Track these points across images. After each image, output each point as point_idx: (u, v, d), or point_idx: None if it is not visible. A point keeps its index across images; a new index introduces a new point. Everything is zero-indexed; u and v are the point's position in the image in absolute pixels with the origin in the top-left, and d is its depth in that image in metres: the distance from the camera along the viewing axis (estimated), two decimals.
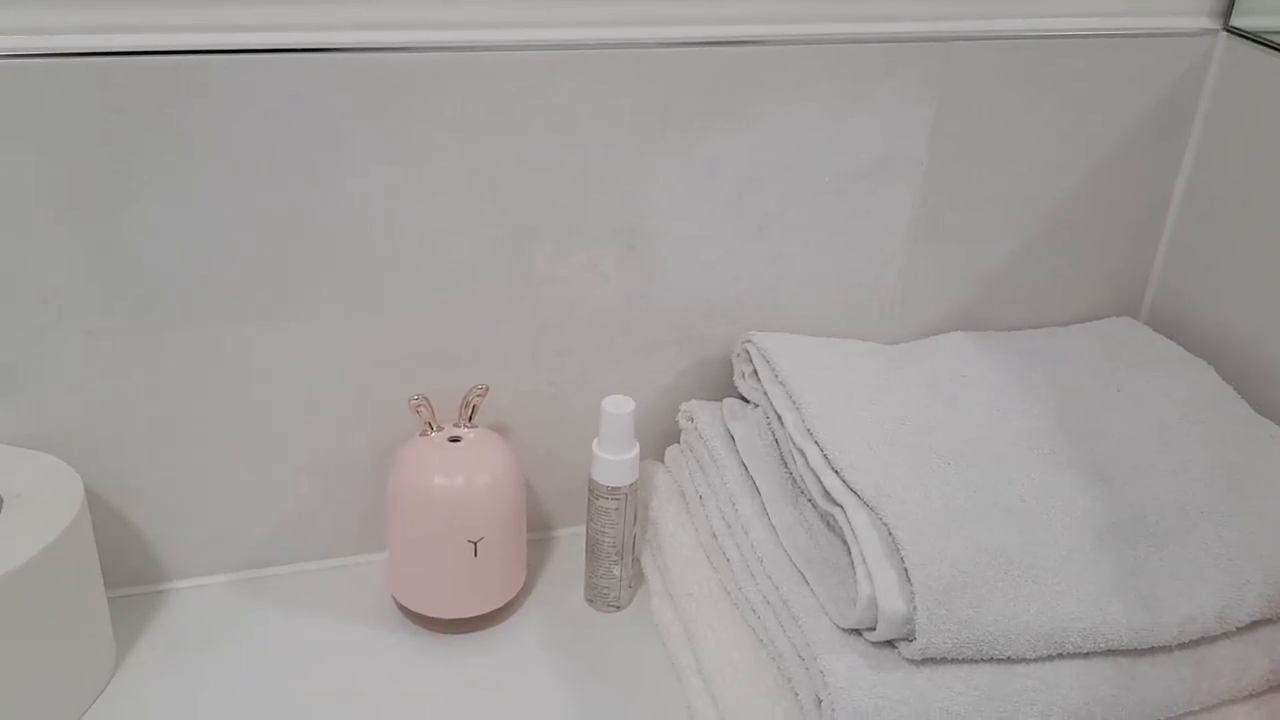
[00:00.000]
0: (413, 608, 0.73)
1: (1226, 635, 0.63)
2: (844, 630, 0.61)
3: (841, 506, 0.64)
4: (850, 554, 0.62)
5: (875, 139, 0.76)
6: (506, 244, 0.72)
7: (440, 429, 0.72)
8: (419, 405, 0.72)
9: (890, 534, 0.61)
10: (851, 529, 0.62)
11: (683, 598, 0.72)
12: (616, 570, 0.75)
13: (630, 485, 0.72)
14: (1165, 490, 0.67)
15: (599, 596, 0.76)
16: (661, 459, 0.81)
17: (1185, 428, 0.72)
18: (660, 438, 0.82)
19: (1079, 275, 0.86)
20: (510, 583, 0.74)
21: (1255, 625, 0.63)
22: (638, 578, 0.78)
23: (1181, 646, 0.62)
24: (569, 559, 0.80)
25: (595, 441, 0.72)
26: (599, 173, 0.72)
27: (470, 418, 0.73)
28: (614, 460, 0.71)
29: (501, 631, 0.74)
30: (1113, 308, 0.87)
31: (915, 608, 0.58)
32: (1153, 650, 0.62)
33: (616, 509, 0.73)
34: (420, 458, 0.71)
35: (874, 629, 0.60)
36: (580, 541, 0.77)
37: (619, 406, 0.71)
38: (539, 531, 0.83)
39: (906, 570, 0.59)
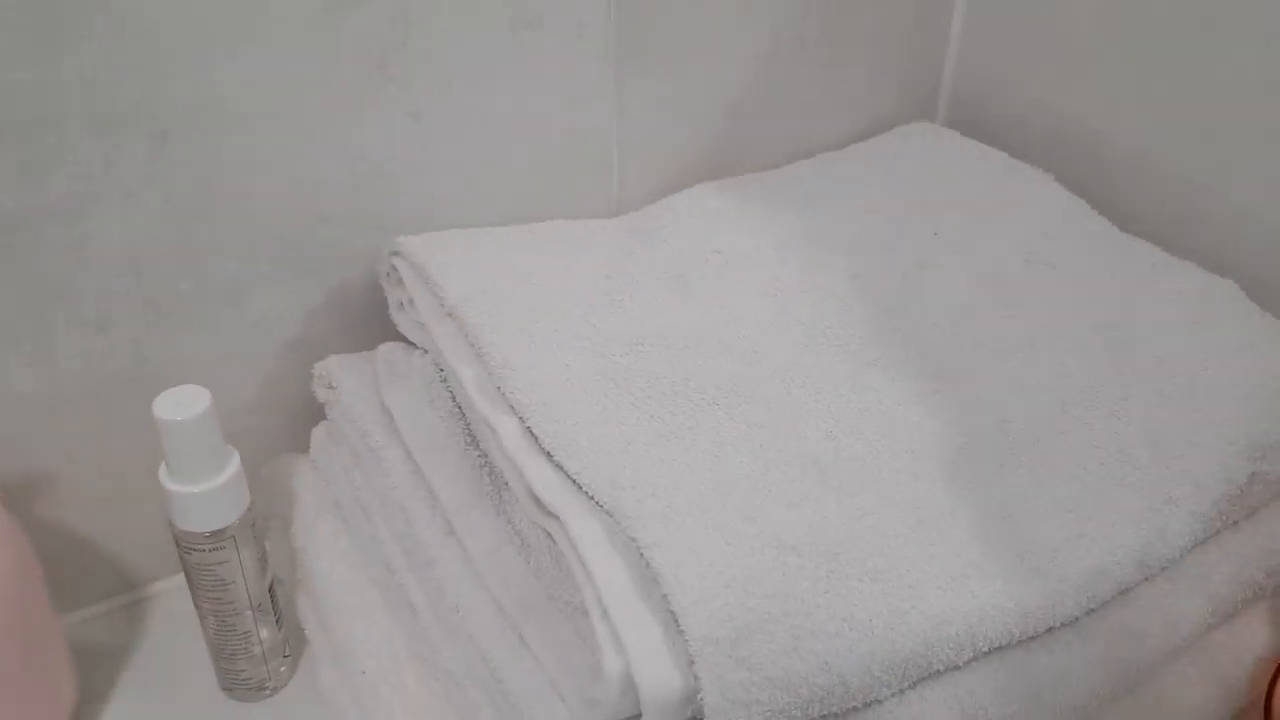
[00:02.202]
0: None
1: (1148, 580, 0.42)
2: None
3: (558, 517, 0.39)
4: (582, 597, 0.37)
5: None
6: None
7: None
8: None
9: (641, 555, 0.37)
10: (580, 557, 0.37)
11: (360, 671, 0.46)
12: (256, 639, 0.48)
13: (239, 519, 0.45)
14: (1031, 375, 0.46)
15: (238, 682, 0.49)
16: (306, 448, 0.54)
17: (1037, 274, 0.50)
18: (304, 415, 0.54)
19: (852, 71, 0.62)
20: (55, 708, 0.46)
21: (1182, 556, 0.43)
22: (295, 639, 0.51)
23: (1090, 614, 0.41)
24: (178, 628, 0.52)
25: (161, 468, 0.44)
26: (77, 19, 0.41)
27: None
28: (197, 493, 0.44)
29: None
30: (902, 111, 0.64)
31: (697, 676, 0.35)
32: (1051, 632, 0.41)
33: (225, 561, 0.45)
34: None
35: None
36: (185, 598, 0.49)
37: (182, 407, 0.43)
38: (116, 596, 0.54)
39: (674, 615, 0.35)
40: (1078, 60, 0.58)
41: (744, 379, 0.45)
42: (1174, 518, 0.42)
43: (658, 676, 0.35)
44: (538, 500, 0.40)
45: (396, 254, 0.50)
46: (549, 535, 0.40)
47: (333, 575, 0.49)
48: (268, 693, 0.50)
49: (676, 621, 0.35)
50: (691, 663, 0.35)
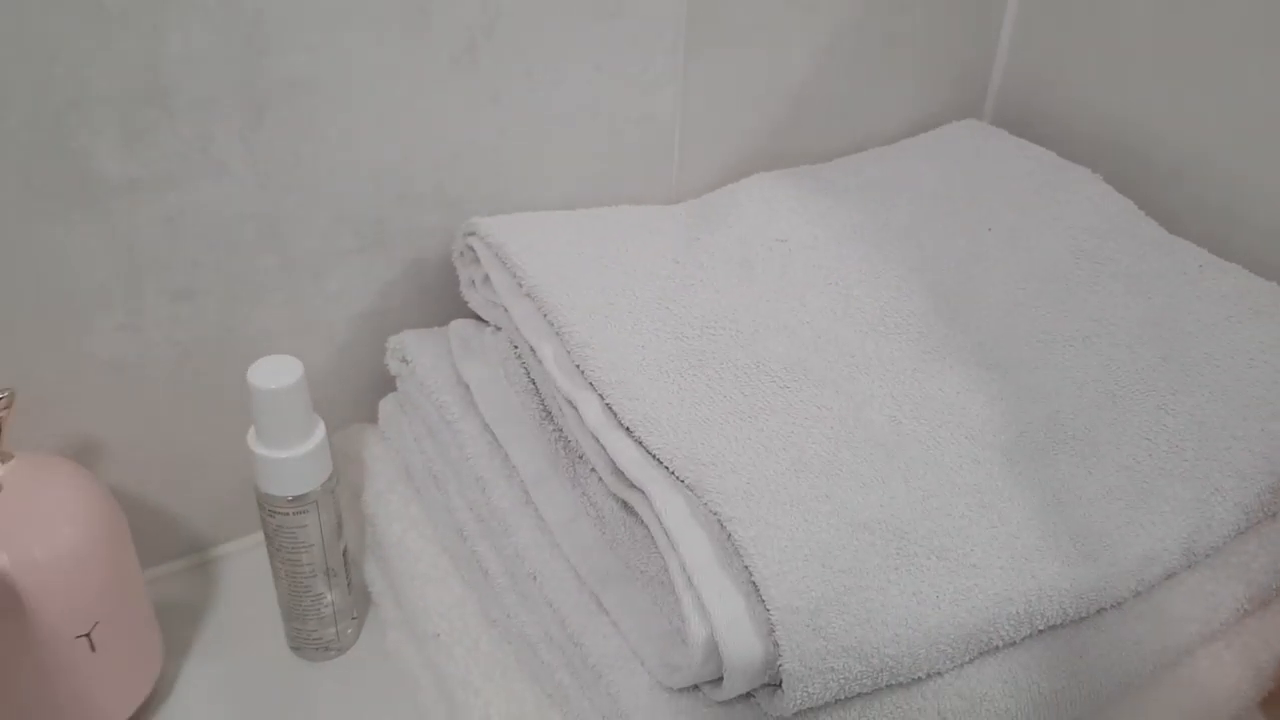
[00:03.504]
0: None
1: (1192, 566, 0.45)
2: (676, 689, 0.39)
3: (643, 491, 0.41)
4: (667, 566, 0.39)
5: None
6: (39, 136, 0.43)
7: None
8: None
9: (723, 528, 0.39)
10: (664, 529, 0.39)
11: (429, 638, 0.48)
12: (327, 600, 0.50)
13: (321, 486, 0.47)
14: (1081, 368, 0.48)
15: (307, 641, 0.51)
16: (375, 418, 0.56)
17: (1087, 270, 0.52)
18: (371, 387, 0.56)
19: (904, 69, 0.64)
20: (146, 666, 0.48)
21: (1225, 544, 0.45)
22: (361, 602, 0.53)
23: (1137, 597, 0.43)
24: (249, 588, 0.54)
25: (250, 433, 0.46)
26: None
27: None
28: (285, 459, 0.46)
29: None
30: (950, 109, 0.66)
31: (777, 644, 0.37)
32: (1101, 612, 0.43)
33: (305, 525, 0.47)
34: None
35: (719, 684, 0.38)
36: (254, 559, 0.51)
37: (276, 377, 0.44)
38: (189, 555, 0.56)
39: (756, 586, 0.38)
40: (1125, 63, 0.59)
41: (811, 363, 0.46)
42: (1219, 507, 0.44)
43: (740, 643, 0.37)
44: (620, 474, 0.42)
45: (472, 234, 0.52)
46: (626, 508, 0.42)
47: (404, 542, 0.51)
48: (334, 653, 0.52)
49: (758, 592, 0.38)
50: (772, 631, 0.37)
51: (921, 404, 0.46)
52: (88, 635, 0.43)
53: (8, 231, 0.44)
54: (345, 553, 0.50)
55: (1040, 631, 0.42)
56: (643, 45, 0.54)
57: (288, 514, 0.47)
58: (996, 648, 0.41)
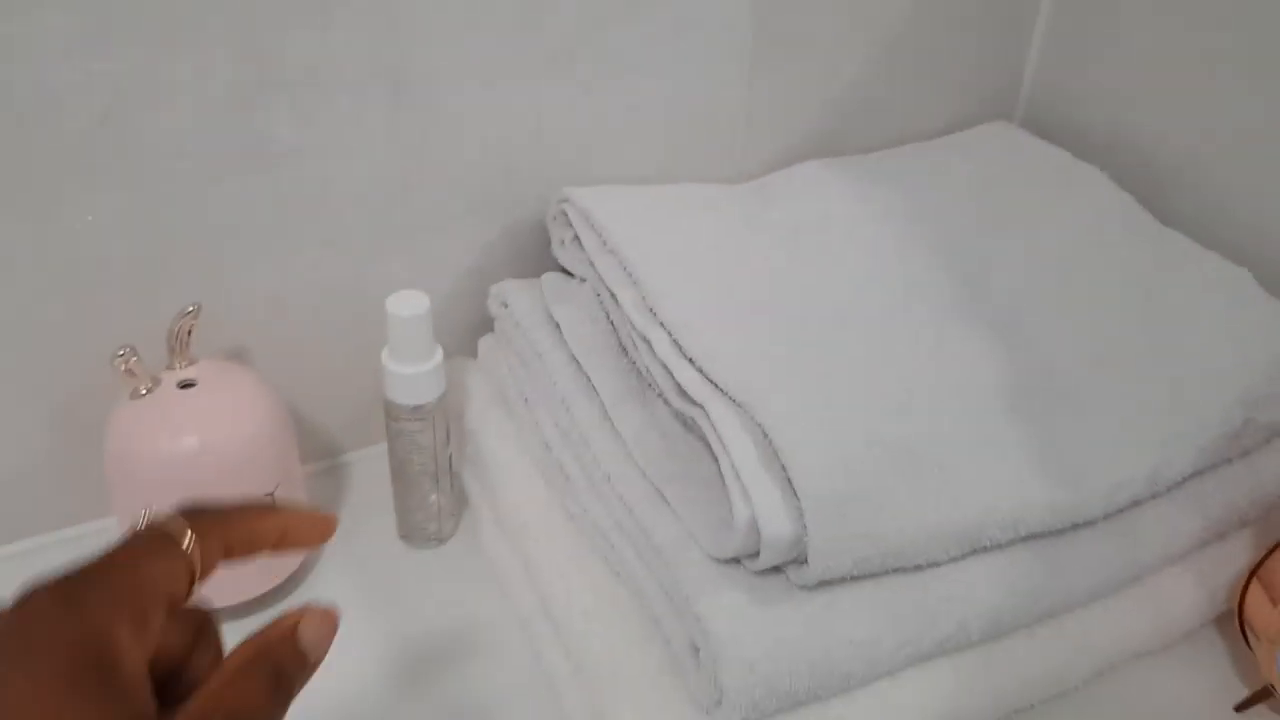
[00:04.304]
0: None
1: (1155, 497, 0.53)
2: (719, 561, 0.49)
3: (703, 407, 0.50)
4: (719, 466, 0.49)
5: None
6: (227, 105, 0.54)
7: (157, 382, 0.54)
8: (126, 361, 0.53)
9: (766, 437, 0.49)
10: (719, 436, 0.49)
11: (517, 529, 0.58)
12: (433, 498, 0.60)
13: (436, 400, 0.57)
14: (1074, 334, 0.57)
15: (416, 531, 0.62)
16: (474, 354, 0.66)
17: (1085, 253, 0.61)
18: (470, 328, 0.66)
19: (944, 77, 0.73)
20: None
21: (1184, 482, 0.54)
22: (460, 501, 0.64)
23: (1108, 519, 0.52)
24: (367, 489, 0.65)
25: (384, 352, 0.56)
26: None
27: (183, 351, 0.55)
28: (411, 374, 0.56)
29: (304, 594, 0.59)
30: (986, 111, 0.75)
31: (805, 526, 0.46)
32: (1076, 528, 0.52)
33: (422, 430, 0.58)
34: (144, 426, 0.53)
35: (756, 557, 0.48)
36: (378, 464, 0.62)
37: (409, 306, 0.55)
38: (322, 460, 0.67)
39: (790, 481, 0.47)
40: (1134, 78, 0.68)
41: (849, 317, 0.56)
42: (1180, 449, 0.53)
43: (776, 523, 0.46)
44: (685, 394, 0.52)
45: (565, 201, 0.62)
46: (687, 425, 0.52)
47: (498, 453, 0.61)
48: (435, 543, 0.63)
49: (791, 486, 0.47)
50: (801, 516, 0.47)
51: (942, 357, 0.55)
52: (272, 494, 0.54)
53: (199, 187, 0.55)
54: (450, 459, 0.61)
55: (1024, 539, 0.51)
56: (714, 53, 0.64)
57: (409, 421, 0.58)
58: (986, 548, 0.50)
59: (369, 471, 0.66)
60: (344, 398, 0.65)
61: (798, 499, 0.47)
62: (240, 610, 0.56)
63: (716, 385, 0.51)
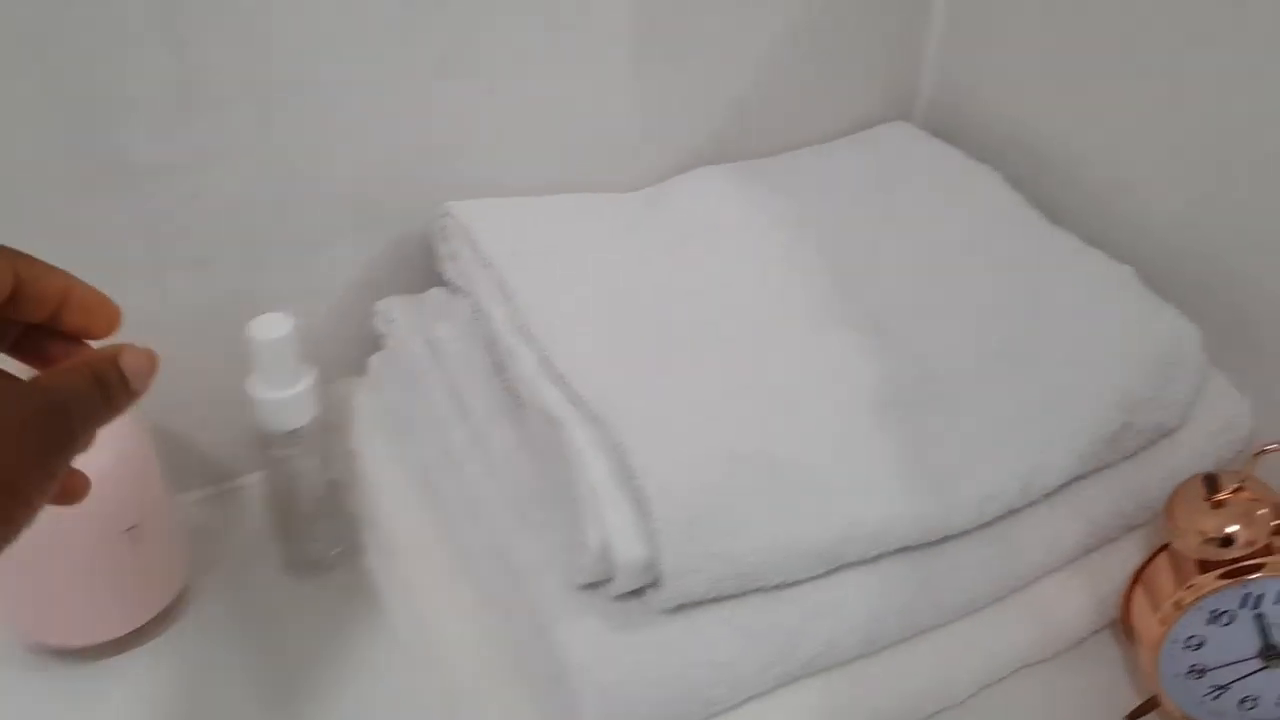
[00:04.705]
0: (53, 641, 0.56)
1: (1032, 505, 0.52)
2: (581, 586, 0.48)
3: (561, 423, 0.50)
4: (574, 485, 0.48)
5: None
6: (80, 125, 0.53)
7: None
8: None
9: (622, 455, 0.48)
10: (576, 456, 0.48)
11: (399, 553, 0.57)
12: (314, 525, 0.59)
13: (309, 424, 0.56)
14: (955, 336, 0.56)
15: (298, 559, 0.61)
16: (364, 373, 0.65)
17: (972, 255, 0.60)
18: (363, 345, 0.65)
19: (841, 77, 0.72)
20: (173, 573, 0.58)
21: (1064, 487, 0.53)
22: (345, 527, 0.63)
23: (981, 529, 0.51)
24: (258, 515, 0.64)
25: (250, 379, 0.55)
26: (200, 6, 0.52)
27: None
28: (279, 399, 0.55)
29: (184, 628, 0.58)
30: (887, 111, 0.74)
31: (658, 549, 0.46)
32: (946, 540, 0.51)
33: (297, 456, 0.57)
34: None
35: (612, 581, 0.47)
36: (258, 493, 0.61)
37: (270, 329, 0.54)
38: (211, 485, 0.66)
39: (643, 502, 0.46)
40: (1032, 73, 0.66)
41: (724, 325, 0.55)
42: (1055, 455, 0.51)
43: (628, 546, 0.46)
44: (547, 413, 0.51)
45: (447, 215, 0.61)
46: (555, 441, 0.51)
47: (383, 476, 0.60)
48: (320, 572, 0.61)
49: (645, 505, 0.46)
50: (653, 536, 0.46)
51: (813, 362, 0.54)
52: (134, 529, 0.53)
53: (56, 209, 0.54)
54: (332, 483, 0.60)
55: (892, 552, 0.50)
56: (595, 56, 0.63)
57: (282, 448, 0.57)
58: (852, 564, 0.49)
59: (255, 497, 0.65)
60: (231, 420, 0.63)
61: (651, 520, 0.46)
62: (109, 649, 0.56)
63: (578, 401, 0.50)
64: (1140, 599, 0.52)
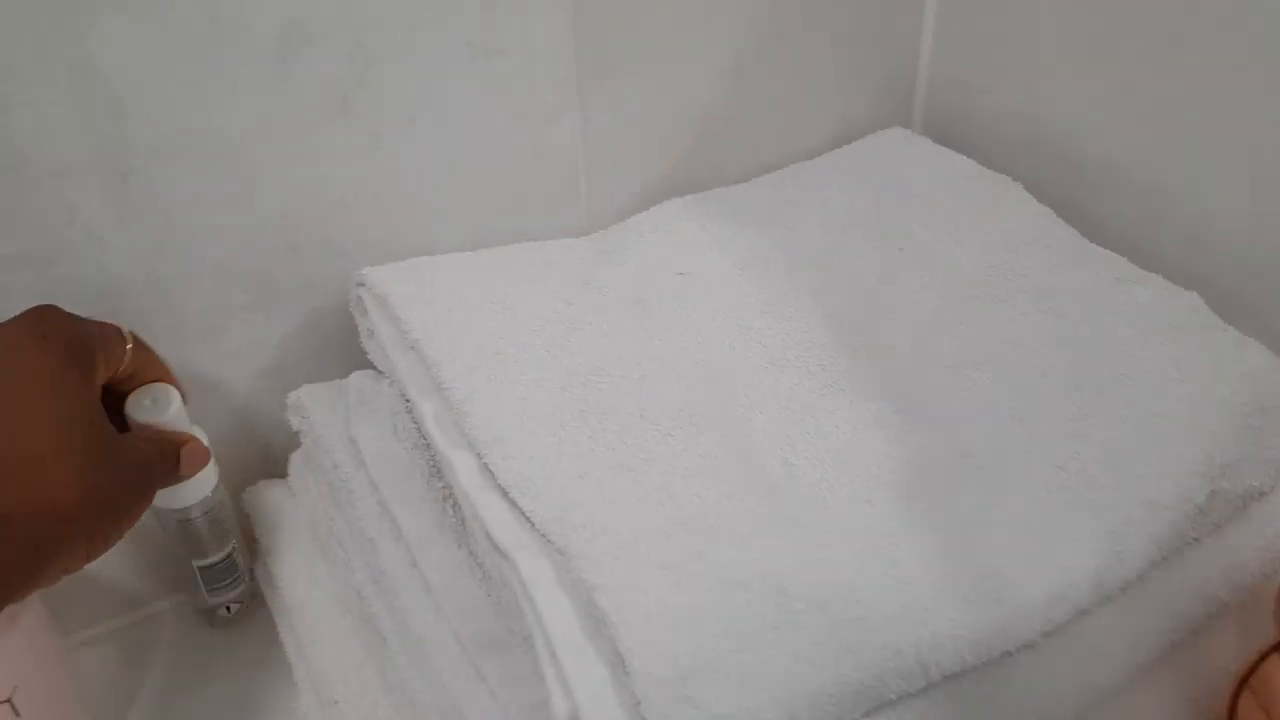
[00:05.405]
0: None
1: (1110, 601, 0.42)
2: None
3: (511, 559, 0.39)
4: (534, 643, 0.38)
5: None
6: None
7: None
8: None
9: (590, 594, 0.37)
10: (529, 598, 0.38)
11: (330, 702, 0.47)
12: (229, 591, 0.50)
13: (207, 498, 0.47)
14: (990, 396, 0.46)
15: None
16: (285, 474, 0.55)
17: (999, 287, 0.50)
18: (280, 444, 0.55)
19: (824, 81, 0.61)
20: None
21: (1142, 575, 0.43)
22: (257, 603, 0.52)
23: (1047, 636, 0.41)
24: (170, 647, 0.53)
25: None
26: (31, 67, 0.42)
27: None
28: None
29: None
30: (879, 116, 0.64)
31: (644, 717, 0.35)
32: (1005, 655, 0.41)
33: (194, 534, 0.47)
34: None
35: None
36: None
37: (148, 407, 0.44)
38: (122, 615, 0.55)
39: (621, 655, 0.36)
40: (1045, 66, 0.57)
41: (701, 407, 0.45)
42: (1131, 539, 0.41)
43: (604, 717, 0.35)
44: (492, 540, 0.40)
45: (361, 284, 0.51)
46: (506, 577, 0.41)
47: (308, 601, 0.50)
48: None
49: (624, 661, 0.36)
50: (638, 703, 0.35)
51: (818, 443, 0.44)
52: (9, 701, 0.42)
53: None
54: (231, 555, 0.50)
55: (944, 679, 0.40)
56: (529, 80, 0.52)
57: (178, 522, 0.47)
58: (891, 701, 0.39)
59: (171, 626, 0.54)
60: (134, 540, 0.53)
61: (631, 679, 0.35)
62: None
63: (532, 523, 0.40)
64: (1249, 705, 0.42)
